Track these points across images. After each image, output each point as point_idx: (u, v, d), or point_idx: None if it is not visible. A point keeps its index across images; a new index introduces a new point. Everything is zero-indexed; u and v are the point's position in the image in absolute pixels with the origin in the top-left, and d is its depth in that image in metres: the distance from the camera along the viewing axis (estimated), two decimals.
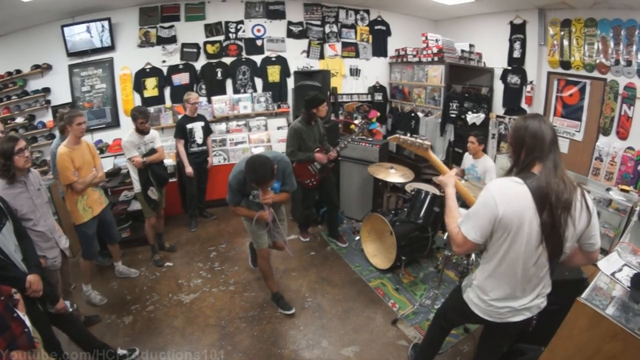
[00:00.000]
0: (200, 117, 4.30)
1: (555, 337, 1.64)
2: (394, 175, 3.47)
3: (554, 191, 1.33)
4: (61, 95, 4.71)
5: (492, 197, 1.39)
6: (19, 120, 4.54)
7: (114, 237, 3.27)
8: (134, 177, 3.40)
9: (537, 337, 2.05)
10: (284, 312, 2.90)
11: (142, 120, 3.29)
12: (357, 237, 3.87)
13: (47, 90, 4.64)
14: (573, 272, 2.18)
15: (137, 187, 3.42)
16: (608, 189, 3.00)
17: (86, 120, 2.90)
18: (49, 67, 4.59)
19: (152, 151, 3.43)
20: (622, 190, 2.99)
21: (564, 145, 4.32)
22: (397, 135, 1.93)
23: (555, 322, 1.65)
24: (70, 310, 2.21)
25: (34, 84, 4.61)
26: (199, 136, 4.23)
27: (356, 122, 5.12)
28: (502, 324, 1.61)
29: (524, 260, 1.43)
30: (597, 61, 3.83)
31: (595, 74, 3.89)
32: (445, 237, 3.33)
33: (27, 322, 1.55)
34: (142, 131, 3.34)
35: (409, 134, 1.90)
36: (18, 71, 4.48)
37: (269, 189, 2.52)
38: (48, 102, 4.66)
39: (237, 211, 2.69)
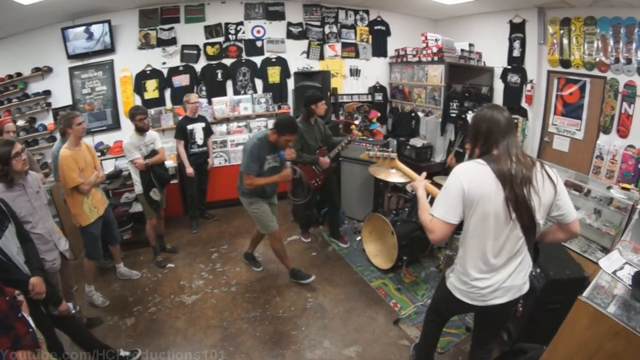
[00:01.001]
0: (201, 118, 4.31)
1: (556, 335, 1.65)
2: (395, 175, 3.47)
3: (512, 169, 1.42)
4: (62, 97, 4.71)
5: (456, 176, 1.50)
6: (20, 123, 4.55)
7: (116, 238, 3.27)
8: (136, 178, 3.39)
9: (538, 336, 2.05)
10: (305, 282, 3.20)
11: (141, 116, 3.28)
12: (359, 238, 3.88)
13: (47, 92, 4.64)
14: (574, 270, 2.18)
15: (138, 188, 3.41)
16: (609, 187, 2.99)
17: (84, 120, 2.93)
18: (49, 70, 4.59)
19: (154, 152, 3.43)
20: (623, 188, 2.98)
21: (564, 144, 4.33)
22: (367, 152, 2.14)
23: (557, 321, 1.65)
24: (73, 312, 2.22)
25: (35, 87, 4.62)
26: (199, 137, 4.23)
27: (356, 122, 5.12)
28: (486, 309, 1.63)
29: (495, 233, 1.48)
30: (597, 59, 3.83)
31: (595, 72, 3.89)
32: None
33: (31, 323, 1.56)
34: (142, 129, 3.32)
35: (376, 149, 2.09)
36: (19, 74, 4.49)
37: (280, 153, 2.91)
38: (49, 104, 4.67)
39: (255, 181, 2.84)
